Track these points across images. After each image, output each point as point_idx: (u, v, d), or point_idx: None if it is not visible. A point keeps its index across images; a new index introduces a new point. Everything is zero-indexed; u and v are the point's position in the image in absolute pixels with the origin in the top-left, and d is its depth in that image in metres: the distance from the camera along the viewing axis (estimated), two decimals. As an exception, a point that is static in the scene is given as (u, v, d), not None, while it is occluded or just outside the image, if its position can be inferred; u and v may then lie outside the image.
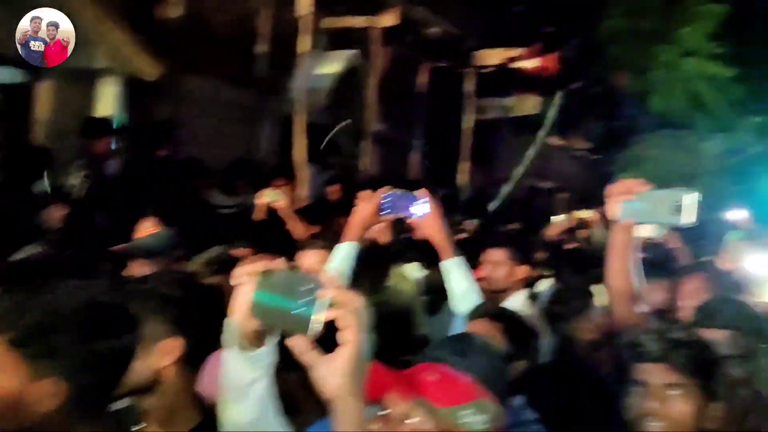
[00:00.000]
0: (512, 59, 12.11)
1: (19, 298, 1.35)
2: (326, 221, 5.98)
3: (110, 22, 6.98)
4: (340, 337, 1.17)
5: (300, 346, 1.18)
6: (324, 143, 10.08)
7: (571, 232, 7.61)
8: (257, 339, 1.29)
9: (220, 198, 6.94)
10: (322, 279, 1.18)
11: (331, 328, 1.19)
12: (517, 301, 3.88)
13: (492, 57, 12.11)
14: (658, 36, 16.04)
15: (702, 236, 6.80)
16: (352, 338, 1.17)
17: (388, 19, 9.63)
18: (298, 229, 5.67)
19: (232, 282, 1.27)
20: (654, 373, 1.85)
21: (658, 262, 4.14)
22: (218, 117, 8.85)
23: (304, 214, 6.07)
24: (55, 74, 7.16)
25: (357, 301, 1.20)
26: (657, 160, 15.91)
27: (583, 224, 7.64)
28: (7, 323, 1.32)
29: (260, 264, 1.23)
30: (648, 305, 3.49)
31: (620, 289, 2.43)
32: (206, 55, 8.21)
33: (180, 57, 7.90)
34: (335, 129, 10.37)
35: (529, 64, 12.22)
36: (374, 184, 8.65)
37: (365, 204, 2.77)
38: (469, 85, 12.14)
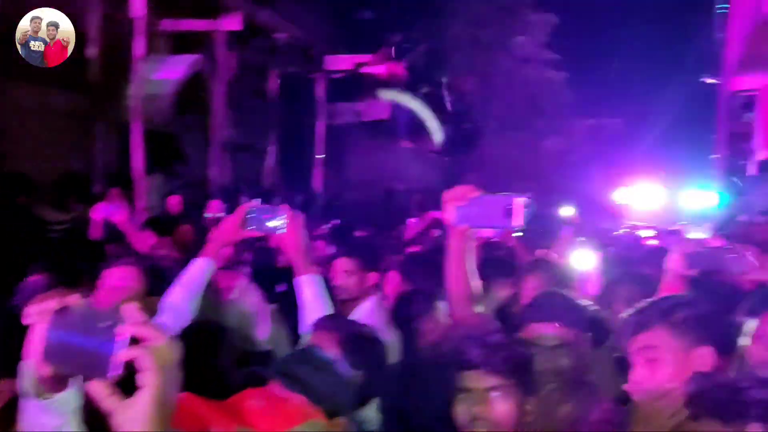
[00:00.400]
0: (361, 65, 12.26)
1: None
2: (172, 233, 5.73)
3: None
4: (140, 379, 1.07)
5: (98, 390, 1.07)
6: (169, 151, 9.64)
7: (424, 233, 7.78)
8: (58, 383, 1.17)
9: (51, 214, 6.40)
10: (123, 313, 1.08)
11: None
12: (367, 308, 3.86)
13: (341, 62, 12.19)
14: (497, 43, 17.04)
15: (540, 233, 7.22)
16: (151, 381, 1.07)
17: (232, 24, 9.37)
18: (140, 242, 5.41)
19: (24, 322, 1.12)
20: (475, 379, 1.90)
21: (498, 261, 4.27)
22: (48, 126, 8.17)
23: (152, 226, 5.77)
24: None
25: (159, 338, 1.09)
26: (500, 161, 16.89)
27: (436, 225, 7.83)
28: None
29: (54, 301, 1.11)
30: (490, 305, 3.64)
31: (458, 292, 2.47)
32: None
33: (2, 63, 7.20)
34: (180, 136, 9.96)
35: (378, 69, 12.44)
36: (225, 193, 8.37)
37: (227, 220, 2.64)
38: (320, 91, 12.14)
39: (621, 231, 8.43)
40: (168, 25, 9.31)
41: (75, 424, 1.22)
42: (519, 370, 1.93)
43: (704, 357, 1.83)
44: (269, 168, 12.18)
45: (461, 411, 1.90)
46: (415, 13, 14.16)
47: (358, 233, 7.06)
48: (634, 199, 16.69)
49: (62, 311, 1.10)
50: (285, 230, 2.57)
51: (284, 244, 2.63)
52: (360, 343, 2.41)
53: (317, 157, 12.30)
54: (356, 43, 12.52)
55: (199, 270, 2.65)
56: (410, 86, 14.02)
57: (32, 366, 1.14)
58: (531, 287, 3.44)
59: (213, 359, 2.45)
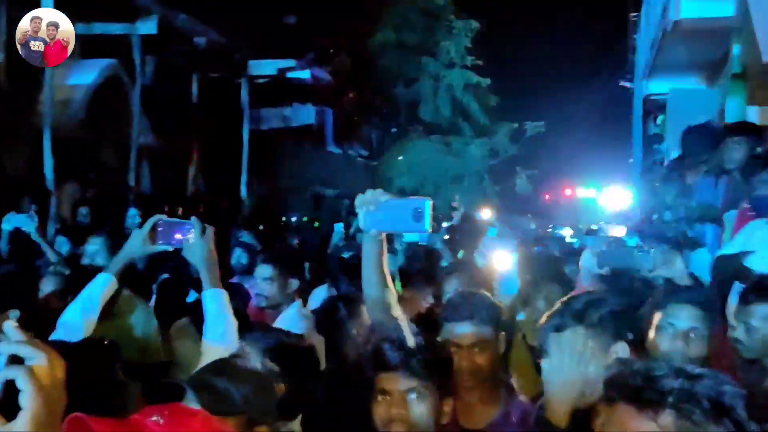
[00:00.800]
0: (286, 70, 12.13)
1: None
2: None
3: None
4: (21, 400, 0.99)
5: None
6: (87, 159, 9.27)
7: (353, 238, 7.75)
8: None
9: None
10: (4, 330, 1.02)
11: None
12: (290, 315, 3.79)
13: (265, 67, 12.02)
14: (422, 49, 17.21)
15: (466, 235, 7.30)
16: (30, 402, 0.99)
17: (147, 27, 9.08)
18: (52, 253, 5.25)
19: None
20: (394, 381, 1.89)
21: (422, 265, 4.27)
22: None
23: (66, 235, 5.58)
24: None
25: (40, 356, 1.02)
26: (428, 165, 17.05)
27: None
28: None
29: None
30: (414, 310, 3.62)
31: (376, 297, 2.45)
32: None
33: None
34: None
35: (303, 75, 12.34)
36: (145, 202, 8.08)
37: (134, 234, 2.52)
38: (244, 96, 11.94)
39: (543, 232, 8.64)
40: (80, 28, 8.94)
41: None
42: (436, 372, 1.93)
43: (621, 352, 1.84)
44: (192, 175, 11.89)
45: (379, 413, 1.89)
46: (340, 19, 14.15)
47: (282, 240, 6.98)
48: (559, 200, 17.18)
49: None
50: (193, 243, 2.49)
51: (192, 257, 2.54)
52: (285, 352, 2.34)
53: (243, 163, 12.07)
54: (281, 48, 12.38)
55: (98, 286, 2.53)
56: (336, 91, 13.99)
57: None
58: (452, 289, 3.50)
59: (106, 375, 2.33)
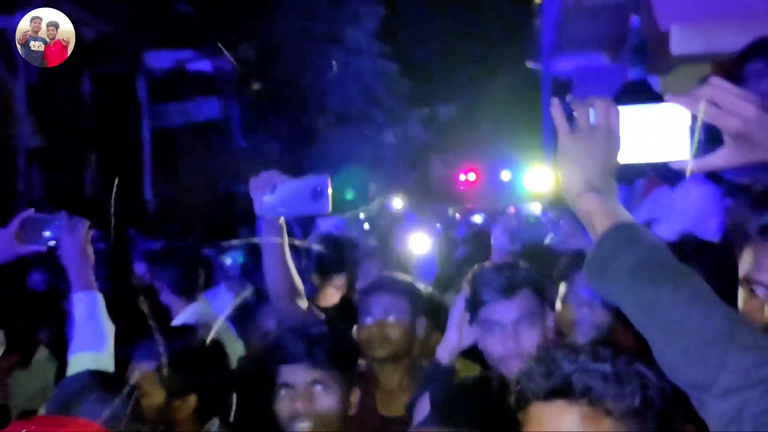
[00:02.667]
0: (185, 61, 11.59)
1: None
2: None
3: None
4: None
5: None
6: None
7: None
8: None
9: None
10: None
11: None
12: (192, 313, 3.56)
13: (162, 59, 11.45)
14: (328, 37, 16.96)
15: (381, 223, 7.19)
16: None
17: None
18: None
19: None
20: (297, 373, 1.83)
21: (336, 254, 4.15)
22: None
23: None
24: None
25: None
26: (341, 154, 16.87)
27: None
28: None
29: None
30: (328, 300, 3.48)
31: (279, 288, 2.33)
32: None
33: None
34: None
35: (204, 66, 11.83)
36: (35, 208, 7.52)
37: None
38: (142, 91, 11.34)
39: (457, 215, 8.67)
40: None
41: None
42: (342, 361, 1.88)
43: (551, 321, 1.88)
44: (88, 178, 11.19)
45: (283, 408, 1.81)
46: (241, 6, 13.64)
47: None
48: (472, 184, 17.41)
49: None
50: (62, 240, 2.28)
51: (63, 254, 2.31)
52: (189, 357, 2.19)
53: (144, 163, 11.49)
54: (178, 39, 11.80)
55: None
56: (240, 83, 13.54)
57: None
58: (369, 274, 3.42)
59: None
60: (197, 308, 3.58)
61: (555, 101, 1.21)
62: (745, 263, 1.31)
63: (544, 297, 1.90)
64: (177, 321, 3.44)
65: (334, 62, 16.53)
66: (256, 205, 2.16)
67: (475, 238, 5.09)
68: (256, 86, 14.17)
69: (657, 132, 1.18)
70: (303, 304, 2.48)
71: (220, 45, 12.40)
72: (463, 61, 21.22)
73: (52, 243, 2.31)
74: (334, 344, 1.90)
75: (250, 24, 13.80)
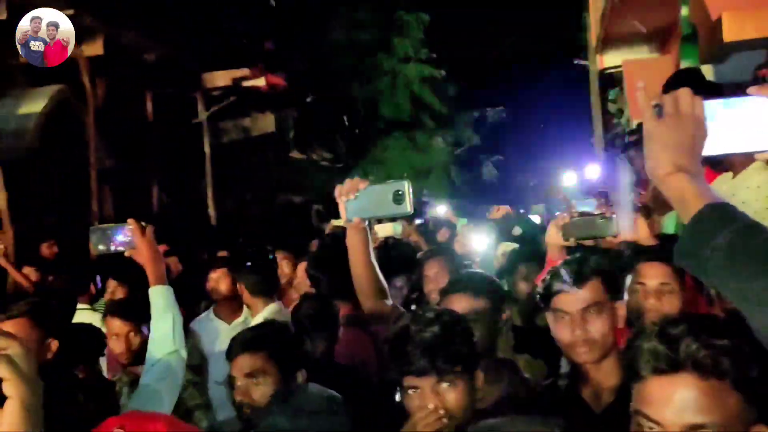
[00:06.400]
0: (240, 79, 11.98)
1: None
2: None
3: None
4: (4, 389, 0.99)
5: None
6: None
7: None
8: None
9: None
10: None
11: None
12: (271, 312, 3.76)
13: (219, 79, 11.86)
14: (376, 46, 17.18)
15: (436, 226, 7.31)
16: (15, 389, 0.99)
17: (93, 48, 8.88)
18: (22, 279, 5.35)
19: None
20: (423, 380, 1.75)
21: (401, 257, 4.27)
22: None
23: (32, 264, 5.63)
24: None
25: (14, 346, 1.01)
26: (394, 161, 17.03)
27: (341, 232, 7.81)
28: None
29: None
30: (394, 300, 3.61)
31: (365, 287, 2.46)
32: None
33: None
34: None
35: (258, 82, 12.20)
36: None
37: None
38: (201, 110, 11.77)
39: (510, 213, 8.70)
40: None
41: None
42: (465, 361, 1.79)
43: (620, 310, 1.90)
44: (155, 195, 11.68)
45: (412, 407, 1.76)
46: (290, 22, 14.01)
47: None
48: (522, 183, 17.28)
49: None
50: (137, 243, 2.46)
51: (138, 256, 2.50)
52: (290, 350, 2.29)
53: (206, 178, 11.90)
54: (233, 58, 12.21)
55: None
56: (294, 96, 13.87)
57: None
58: (433, 272, 3.50)
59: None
60: (274, 308, 3.81)
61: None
62: None
63: (613, 287, 1.94)
64: (256, 320, 3.66)
65: (382, 71, 16.73)
66: (341, 209, 2.34)
67: (530, 237, 5.18)
68: (308, 99, 14.47)
69: (742, 123, 1.19)
70: (388, 302, 2.63)
71: (271, 61, 12.79)
72: (510, 61, 21.15)
73: (124, 247, 2.57)
74: (454, 347, 1.80)
75: (301, 39, 14.13)
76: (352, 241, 2.37)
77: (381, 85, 17.37)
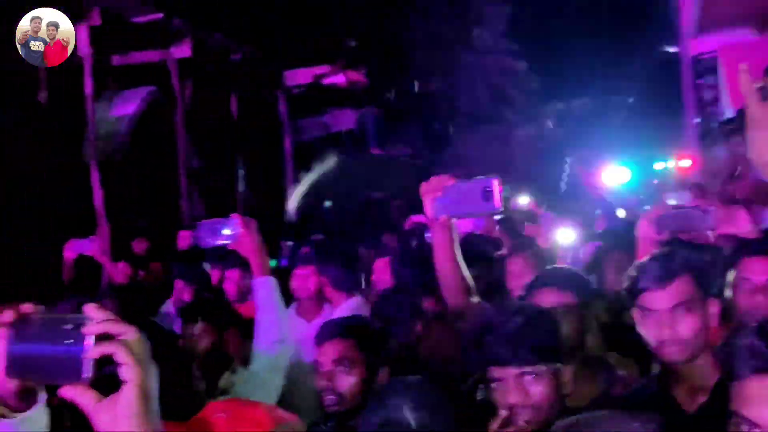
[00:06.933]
0: (321, 76, 12.16)
1: None
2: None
3: None
4: (121, 374, 1.04)
5: (74, 393, 1.04)
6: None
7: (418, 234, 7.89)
8: (23, 400, 1.11)
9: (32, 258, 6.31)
10: (86, 313, 1.05)
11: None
12: (351, 306, 3.80)
13: (300, 77, 12.08)
14: (456, 38, 17.08)
15: (520, 220, 7.17)
16: (133, 373, 1.04)
17: (182, 51, 9.24)
18: (117, 274, 5.49)
19: None
20: (506, 371, 1.74)
21: (482, 252, 4.22)
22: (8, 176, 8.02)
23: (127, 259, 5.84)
24: None
25: (130, 332, 1.06)
26: (474, 156, 16.89)
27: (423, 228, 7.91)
28: None
29: (9, 313, 1.07)
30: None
31: (451, 284, 2.45)
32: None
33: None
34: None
35: (338, 79, 12.34)
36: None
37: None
38: (283, 108, 12.02)
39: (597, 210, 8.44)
40: (117, 60, 9.18)
41: None
42: (550, 354, 1.78)
43: (714, 308, 1.82)
44: (240, 193, 12.03)
45: (497, 400, 1.75)
46: (369, 18, 14.11)
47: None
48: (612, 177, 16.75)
49: (20, 322, 1.07)
50: (239, 236, 2.60)
51: (242, 247, 2.64)
52: (376, 341, 2.34)
53: (288, 175, 12.16)
54: (313, 56, 12.41)
55: None
56: (373, 92, 13.95)
57: None
58: (517, 267, 3.44)
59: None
60: (356, 302, 3.84)
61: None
62: None
63: (704, 284, 1.85)
64: (338, 314, 3.69)
65: (462, 64, 16.62)
66: (427, 207, 2.32)
67: (616, 231, 5.00)
68: (388, 94, 14.54)
69: None
70: (473, 299, 2.60)
71: (350, 57, 12.90)
72: (595, 50, 20.51)
73: (228, 240, 2.69)
74: (537, 339, 1.79)
75: (380, 34, 14.21)
76: (438, 239, 2.36)
77: (461, 79, 17.24)
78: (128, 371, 1.04)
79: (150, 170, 10.16)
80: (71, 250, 5.38)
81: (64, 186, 8.72)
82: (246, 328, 2.99)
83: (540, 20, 19.22)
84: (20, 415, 1.12)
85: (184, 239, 7.58)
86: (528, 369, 1.70)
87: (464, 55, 17.60)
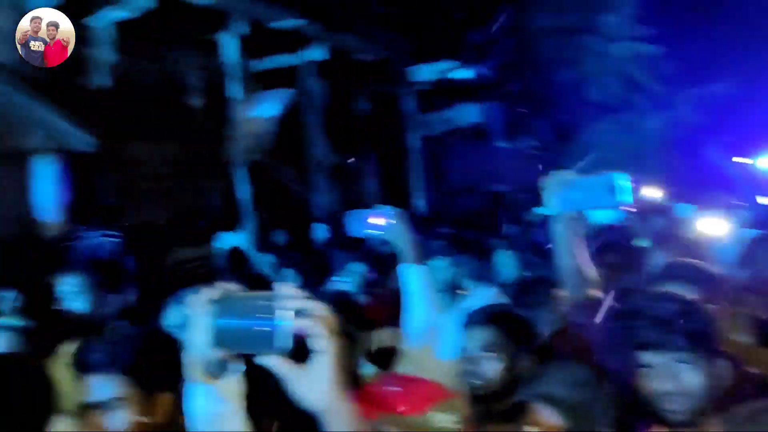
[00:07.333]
0: (447, 71, 12.25)
1: None
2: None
3: (40, 101, 6.90)
4: (314, 345, 1.17)
5: (272, 363, 1.17)
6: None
7: (541, 228, 7.85)
8: (223, 367, 1.27)
9: (186, 252, 6.89)
10: (280, 292, 1.16)
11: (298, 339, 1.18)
12: (485, 296, 3.90)
13: (427, 72, 12.24)
14: (583, 26, 16.52)
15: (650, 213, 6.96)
16: (327, 345, 1.16)
17: (318, 53, 9.70)
18: (264, 264, 5.91)
19: (188, 312, 1.23)
20: (655, 356, 1.75)
21: (616, 244, 4.20)
22: (163, 176, 8.80)
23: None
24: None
25: (322, 307, 1.18)
26: (603, 146, 16.27)
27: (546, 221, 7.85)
28: None
29: (212, 291, 1.20)
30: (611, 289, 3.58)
31: (573, 277, 2.47)
32: (142, 117, 8.21)
33: (115, 124, 7.88)
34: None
35: (465, 74, 12.38)
36: (330, 218, 8.66)
37: None
38: (410, 104, 12.25)
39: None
40: (258, 64, 9.80)
41: (240, 408, 1.31)
42: (701, 341, 1.74)
43: None
44: (370, 189, 12.40)
45: (646, 385, 1.75)
46: (493, 11, 14.01)
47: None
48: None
49: (222, 299, 1.18)
50: (393, 225, 2.71)
51: (392, 235, 2.74)
52: (525, 331, 2.40)
53: (415, 170, 12.37)
54: (439, 50, 12.53)
55: None
56: (499, 85, 13.85)
57: (198, 352, 1.22)
58: (659, 261, 3.42)
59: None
60: (493, 292, 3.96)
61: None
62: None
63: None
64: (475, 303, 3.83)
65: (591, 52, 16.08)
66: (549, 201, 2.34)
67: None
68: (513, 86, 14.38)
69: None
70: (598, 293, 2.63)
71: (476, 51, 12.89)
72: (738, 30, 19.06)
73: (378, 230, 2.82)
74: (690, 325, 1.75)
75: (504, 26, 14.08)
76: (561, 233, 2.39)
77: (588, 68, 16.68)
78: (323, 343, 1.15)
79: (288, 167, 10.75)
80: (222, 242, 5.87)
81: (213, 183, 9.45)
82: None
83: (678, 3, 18.18)
84: (219, 382, 1.26)
85: (319, 231, 8.00)
86: (682, 355, 1.67)
87: (592, 42, 17.00)
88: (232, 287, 1.20)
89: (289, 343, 1.14)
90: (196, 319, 1.19)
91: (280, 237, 7.92)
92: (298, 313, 1.15)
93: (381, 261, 4.71)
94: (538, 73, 15.43)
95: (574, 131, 16.30)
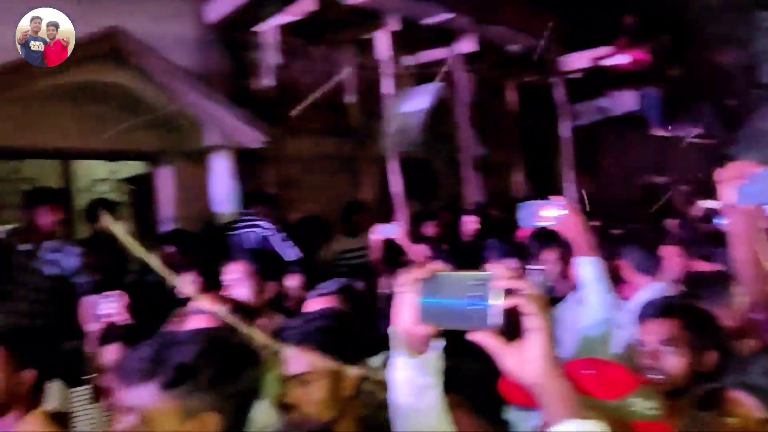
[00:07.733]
0: (600, 59, 11.80)
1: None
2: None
3: (215, 102, 7.56)
4: (527, 323, 1.19)
5: (484, 339, 1.21)
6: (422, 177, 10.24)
7: (705, 221, 7.50)
8: (423, 344, 1.34)
9: (344, 242, 7.23)
10: (489, 271, 1.20)
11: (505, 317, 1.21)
12: (657, 290, 3.80)
13: (578, 61, 11.86)
14: (755, 3, 15.18)
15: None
16: (540, 322, 1.19)
17: (467, 46, 9.75)
18: (418, 255, 5.97)
19: (396, 291, 1.31)
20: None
21: None
22: (322, 170, 9.28)
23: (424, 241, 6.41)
24: (173, 158, 7.81)
25: (531, 286, 1.21)
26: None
27: (712, 214, 7.49)
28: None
29: (421, 270, 1.26)
30: None
31: (751, 276, 2.38)
32: (303, 115, 8.73)
33: (280, 122, 8.45)
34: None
35: (619, 60, 11.86)
36: (479, 212, 8.70)
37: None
38: (560, 94, 11.94)
39: None
40: (409, 60, 10.02)
41: (439, 383, 1.40)
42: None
43: None
44: (519, 180, 12.25)
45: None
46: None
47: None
48: None
49: (430, 278, 1.26)
50: (564, 217, 2.71)
51: (565, 227, 2.73)
52: (707, 325, 2.36)
53: (566, 161, 12.05)
54: (592, 38, 12.09)
55: None
56: (657, 69, 13.11)
57: (405, 329, 1.31)
58: None
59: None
60: (662, 286, 3.82)
61: None
62: None
63: None
64: (640, 297, 3.72)
65: (762, 30, 14.76)
66: (727, 194, 2.23)
67: None
68: (675, 71, 13.55)
69: None
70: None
71: (633, 35, 12.28)
72: None
73: (550, 222, 2.81)
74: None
75: (666, 8, 13.30)
76: (739, 228, 2.29)
77: (761, 47, 15.33)
78: (536, 320, 1.19)
79: (437, 160, 10.91)
80: (378, 234, 6.07)
81: (368, 177, 9.80)
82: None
83: None
84: (422, 356, 1.35)
85: (469, 224, 8.06)
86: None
87: (764, 19, 15.59)
88: (439, 267, 1.27)
89: (500, 321, 1.18)
90: (405, 296, 1.27)
91: (430, 229, 8.07)
92: (509, 291, 1.19)
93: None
94: (702, 54, 14.43)
95: (743, 118, 15.09)
